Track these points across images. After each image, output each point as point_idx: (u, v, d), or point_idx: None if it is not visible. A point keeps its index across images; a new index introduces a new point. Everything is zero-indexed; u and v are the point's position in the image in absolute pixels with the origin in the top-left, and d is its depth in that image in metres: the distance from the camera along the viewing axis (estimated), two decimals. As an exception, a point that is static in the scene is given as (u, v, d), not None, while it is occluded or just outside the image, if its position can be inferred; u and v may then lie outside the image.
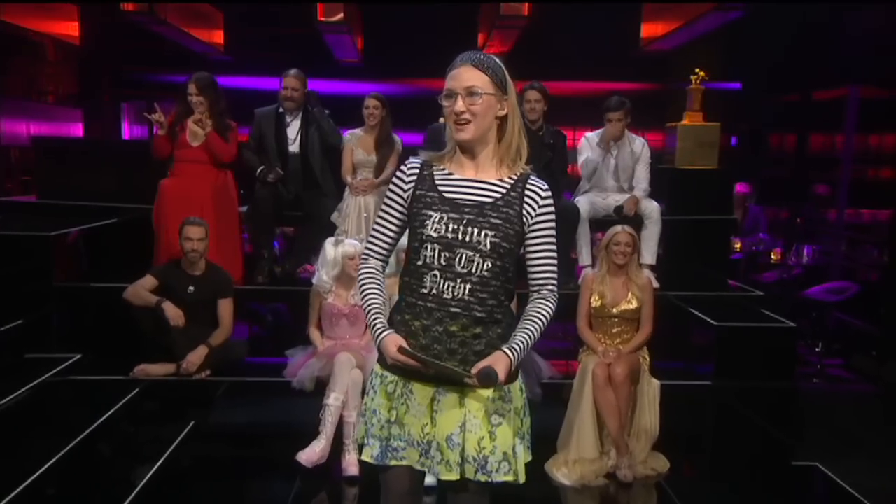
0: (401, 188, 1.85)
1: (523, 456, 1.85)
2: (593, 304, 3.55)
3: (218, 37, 7.58)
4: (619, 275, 3.55)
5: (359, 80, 7.11)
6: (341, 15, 6.03)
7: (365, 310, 1.84)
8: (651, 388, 3.48)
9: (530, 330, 1.78)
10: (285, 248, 5.21)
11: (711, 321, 3.72)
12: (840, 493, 3.30)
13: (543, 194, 1.82)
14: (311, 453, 3.26)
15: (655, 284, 4.00)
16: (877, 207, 6.07)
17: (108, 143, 6.97)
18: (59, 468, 2.87)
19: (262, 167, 4.36)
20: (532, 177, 1.83)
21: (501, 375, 1.69)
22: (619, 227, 3.59)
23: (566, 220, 4.22)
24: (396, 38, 7.28)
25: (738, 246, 5.52)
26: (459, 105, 1.74)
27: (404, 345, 1.75)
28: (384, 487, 1.91)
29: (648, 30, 6.87)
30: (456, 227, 1.75)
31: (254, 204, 4.38)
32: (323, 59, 7.20)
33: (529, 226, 1.80)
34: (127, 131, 7.88)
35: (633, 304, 3.51)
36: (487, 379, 1.69)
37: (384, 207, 1.88)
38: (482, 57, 1.77)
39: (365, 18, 7.40)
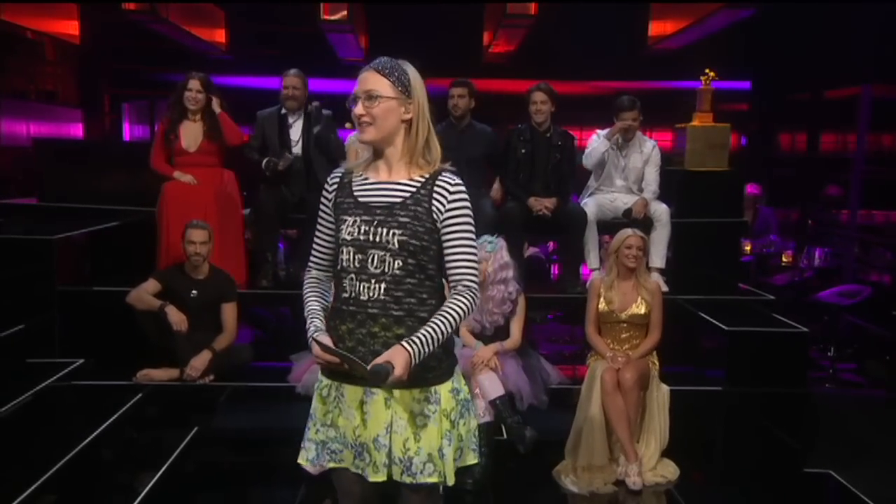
0: (326, 199, 1.92)
1: (452, 458, 1.85)
2: (601, 309, 3.50)
3: (220, 35, 7.54)
4: (628, 279, 3.50)
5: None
6: (345, 13, 5.98)
7: (305, 315, 1.89)
8: (660, 393, 3.44)
9: (436, 325, 1.77)
10: (289, 250, 5.16)
11: (722, 325, 3.67)
12: (853, 500, 3.25)
13: (452, 189, 1.82)
14: (316, 459, 3.22)
15: (665, 288, 3.95)
16: (890, 209, 6.02)
17: (111, 144, 6.95)
18: (61, 474, 2.84)
19: (267, 158, 4.31)
20: (444, 173, 1.84)
21: (399, 370, 1.68)
22: (629, 231, 3.53)
23: (575, 224, 4.19)
24: (401, 37, 7.20)
25: (748, 248, 5.46)
26: (358, 108, 1.80)
27: (326, 341, 1.77)
28: (339, 491, 1.98)
29: (657, 28, 6.80)
30: (367, 228, 1.80)
31: (257, 206, 4.34)
32: (326, 58, 7.15)
33: (441, 221, 1.81)
34: (128, 132, 7.83)
35: (643, 309, 3.46)
36: (376, 376, 1.66)
37: (318, 221, 1.95)
38: (386, 62, 1.83)
39: (369, 17, 7.35)
